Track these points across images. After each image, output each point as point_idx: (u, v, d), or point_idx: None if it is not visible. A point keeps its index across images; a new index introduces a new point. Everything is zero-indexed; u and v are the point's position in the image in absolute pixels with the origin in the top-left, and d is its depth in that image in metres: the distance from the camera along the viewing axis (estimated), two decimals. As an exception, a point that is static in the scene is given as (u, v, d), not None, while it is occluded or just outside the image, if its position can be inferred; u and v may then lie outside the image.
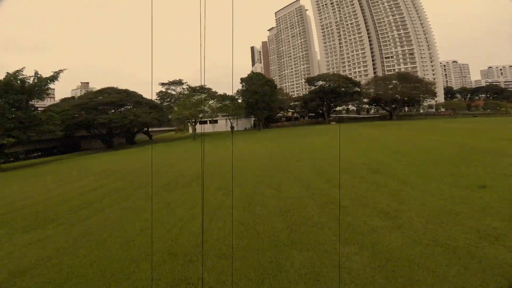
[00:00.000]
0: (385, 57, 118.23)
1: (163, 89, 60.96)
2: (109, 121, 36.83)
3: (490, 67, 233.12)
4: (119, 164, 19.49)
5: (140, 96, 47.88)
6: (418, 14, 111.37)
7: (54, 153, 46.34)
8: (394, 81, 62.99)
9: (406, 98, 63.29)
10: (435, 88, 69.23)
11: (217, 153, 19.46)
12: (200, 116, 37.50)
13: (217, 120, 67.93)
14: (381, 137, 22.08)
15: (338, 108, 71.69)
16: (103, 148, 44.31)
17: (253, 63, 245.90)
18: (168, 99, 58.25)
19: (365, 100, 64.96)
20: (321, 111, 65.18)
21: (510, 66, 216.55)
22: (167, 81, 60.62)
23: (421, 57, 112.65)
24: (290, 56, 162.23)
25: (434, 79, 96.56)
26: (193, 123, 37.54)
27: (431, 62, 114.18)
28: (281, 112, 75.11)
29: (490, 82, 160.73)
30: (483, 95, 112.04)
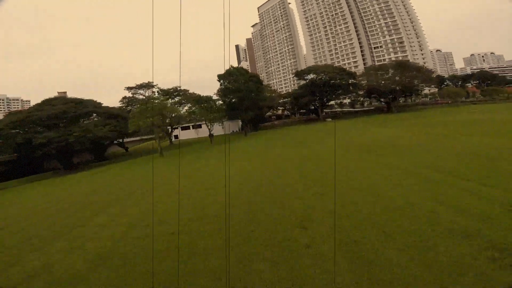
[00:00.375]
0: (374, 47, 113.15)
1: (130, 94, 52.65)
2: (49, 140, 28.61)
3: (473, 54, 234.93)
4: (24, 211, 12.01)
5: (97, 104, 39.76)
6: (403, 2, 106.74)
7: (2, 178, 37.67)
8: (391, 71, 57.08)
9: (404, 88, 57.66)
10: (434, 76, 64.08)
11: (172, 188, 12.24)
12: (168, 122, 29.69)
13: (200, 125, 60.35)
14: (407, 141, 15.44)
15: (330, 102, 65.29)
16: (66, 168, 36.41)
17: (239, 62, 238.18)
18: (136, 106, 49.98)
19: (360, 92, 58.66)
20: (313, 107, 58.67)
21: (492, 53, 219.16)
22: (134, 85, 52.41)
23: (411, 46, 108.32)
24: (276, 51, 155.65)
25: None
26: (160, 135, 29.55)
27: (421, 50, 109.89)
28: (271, 110, 68.25)
29: (475, 69, 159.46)
30: (475, 82, 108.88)
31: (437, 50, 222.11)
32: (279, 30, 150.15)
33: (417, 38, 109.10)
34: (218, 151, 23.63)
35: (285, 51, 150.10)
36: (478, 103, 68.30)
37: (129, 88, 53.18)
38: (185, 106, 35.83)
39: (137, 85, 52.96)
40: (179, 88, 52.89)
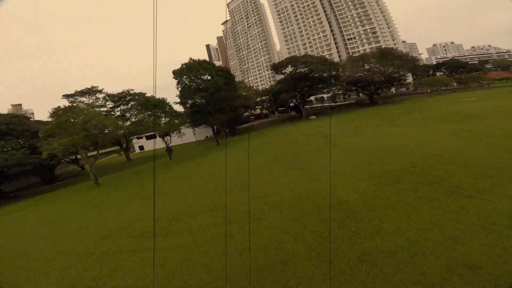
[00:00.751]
0: (348, 39, 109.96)
1: (68, 103, 42.74)
2: None
3: (435, 44, 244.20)
4: None
5: (25, 121, 30.06)
6: None
7: None
8: (373, 60, 52.20)
9: (390, 78, 53.26)
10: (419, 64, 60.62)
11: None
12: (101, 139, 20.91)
13: (154, 135, 51.44)
14: (464, 151, 9.12)
15: (310, 98, 59.21)
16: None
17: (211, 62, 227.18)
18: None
19: (342, 85, 53.16)
20: (294, 104, 52.28)
21: (452, 43, 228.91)
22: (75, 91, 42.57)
23: (383, 36, 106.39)
24: (249, 48, 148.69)
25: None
26: (90, 155, 20.58)
27: (393, 40, 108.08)
28: (248, 110, 60.83)
29: (439, 58, 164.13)
30: (446, 70, 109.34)
31: (402, 41, 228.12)
32: (251, 26, 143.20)
33: (389, 28, 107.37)
34: (172, 179, 15.86)
35: (258, 47, 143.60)
36: (458, 91, 66.23)
37: (67, 96, 43.09)
38: (133, 114, 27.38)
39: (77, 92, 43.06)
40: (132, 92, 43.93)
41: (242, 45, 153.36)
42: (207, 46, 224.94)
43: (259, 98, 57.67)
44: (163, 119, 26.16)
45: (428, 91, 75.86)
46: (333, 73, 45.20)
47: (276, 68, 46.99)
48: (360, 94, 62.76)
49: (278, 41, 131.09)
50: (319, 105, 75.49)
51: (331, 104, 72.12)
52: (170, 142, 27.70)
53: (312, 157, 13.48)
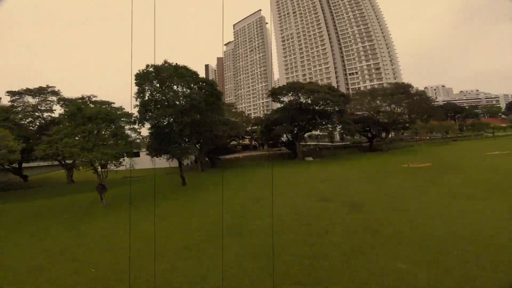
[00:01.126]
0: (349, 73, 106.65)
1: (9, 102, 33.92)
2: None
3: (426, 87, 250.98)
4: None
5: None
6: (380, 25, 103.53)
7: None
8: (385, 96, 45.83)
9: (402, 119, 46.95)
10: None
11: None
12: None
13: (138, 153, 41.31)
14: None
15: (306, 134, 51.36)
16: None
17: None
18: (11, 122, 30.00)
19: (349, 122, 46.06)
20: (288, 139, 44.12)
21: (443, 86, 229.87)
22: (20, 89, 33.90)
23: (386, 74, 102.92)
24: (248, 73, 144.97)
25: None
26: None
27: (395, 79, 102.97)
28: (236, 140, 52.08)
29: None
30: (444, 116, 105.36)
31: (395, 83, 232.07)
32: (253, 50, 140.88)
33: (392, 65, 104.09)
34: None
35: (257, 73, 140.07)
36: (459, 139, 60.54)
37: (11, 93, 33.99)
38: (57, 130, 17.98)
39: (25, 90, 34.15)
40: (93, 99, 34.99)
41: (241, 69, 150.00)
42: (206, 66, 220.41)
43: (249, 128, 49.57)
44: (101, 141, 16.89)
45: (427, 138, 70.32)
46: (340, 108, 37.89)
47: (275, 94, 39.41)
48: (360, 136, 55.83)
49: (277, 69, 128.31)
50: (312, 143, 67.82)
51: (326, 144, 64.66)
52: (106, 176, 18.09)
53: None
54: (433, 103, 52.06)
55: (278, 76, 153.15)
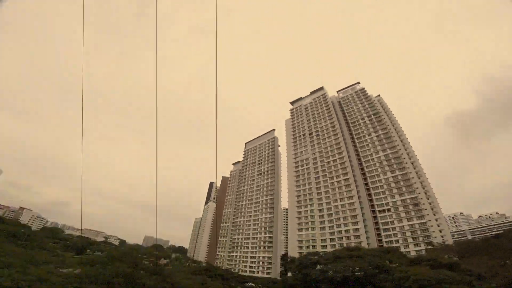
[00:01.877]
0: (378, 210, 77.41)
1: None
2: None
3: (444, 216, 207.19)
4: None
5: None
6: (407, 152, 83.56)
7: None
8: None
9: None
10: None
11: None
12: None
13: None
14: None
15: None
16: None
17: (207, 202, 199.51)
18: None
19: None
20: None
21: (461, 213, 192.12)
22: None
23: (424, 208, 72.09)
24: (252, 199, 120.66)
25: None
26: None
27: (434, 214, 71.11)
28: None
29: (454, 232, 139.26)
30: None
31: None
32: (261, 174, 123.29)
33: (428, 199, 74.70)
34: None
35: (262, 201, 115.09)
36: None
37: None
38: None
39: None
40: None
41: (245, 194, 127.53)
42: (211, 184, 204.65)
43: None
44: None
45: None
46: None
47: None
48: None
49: (286, 198, 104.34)
50: None
51: None
52: None
53: None
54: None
55: (284, 205, 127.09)
